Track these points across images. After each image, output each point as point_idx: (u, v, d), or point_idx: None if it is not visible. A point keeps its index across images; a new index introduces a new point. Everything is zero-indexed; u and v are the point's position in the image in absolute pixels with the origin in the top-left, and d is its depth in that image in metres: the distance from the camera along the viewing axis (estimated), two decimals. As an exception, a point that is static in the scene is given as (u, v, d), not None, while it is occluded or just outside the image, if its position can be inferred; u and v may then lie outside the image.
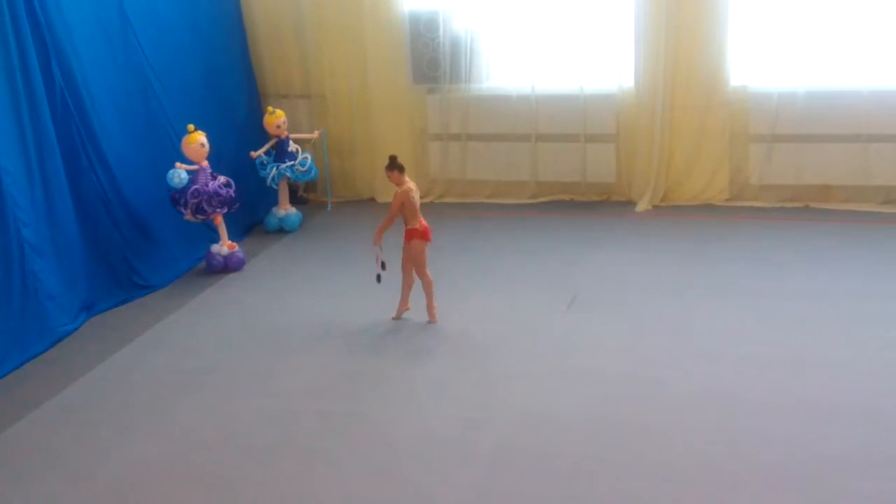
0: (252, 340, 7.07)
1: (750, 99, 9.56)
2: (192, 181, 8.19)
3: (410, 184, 6.99)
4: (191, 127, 8.20)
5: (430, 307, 7.17)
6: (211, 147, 8.34)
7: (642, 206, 9.80)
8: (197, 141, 8.21)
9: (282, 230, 9.76)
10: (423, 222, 7.04)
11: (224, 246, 8.58)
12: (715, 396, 5.81)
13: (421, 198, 10.47)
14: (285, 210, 9.85)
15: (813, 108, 9.34)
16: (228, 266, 8.54)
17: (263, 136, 9.65)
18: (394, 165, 6.95)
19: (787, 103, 9.42)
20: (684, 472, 5.02)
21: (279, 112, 9.59)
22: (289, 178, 9.73)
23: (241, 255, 8.65)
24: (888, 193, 9.39)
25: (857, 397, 5.71)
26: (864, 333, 6.59)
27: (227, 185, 8.43)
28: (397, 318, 7.23)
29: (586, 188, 10.22)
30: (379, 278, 7.00)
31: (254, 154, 9.50)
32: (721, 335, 6.69)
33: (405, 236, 7.05)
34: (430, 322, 7.13)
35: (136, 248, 8.16)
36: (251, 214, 9.73)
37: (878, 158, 9.31)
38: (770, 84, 9.48)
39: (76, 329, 7.30)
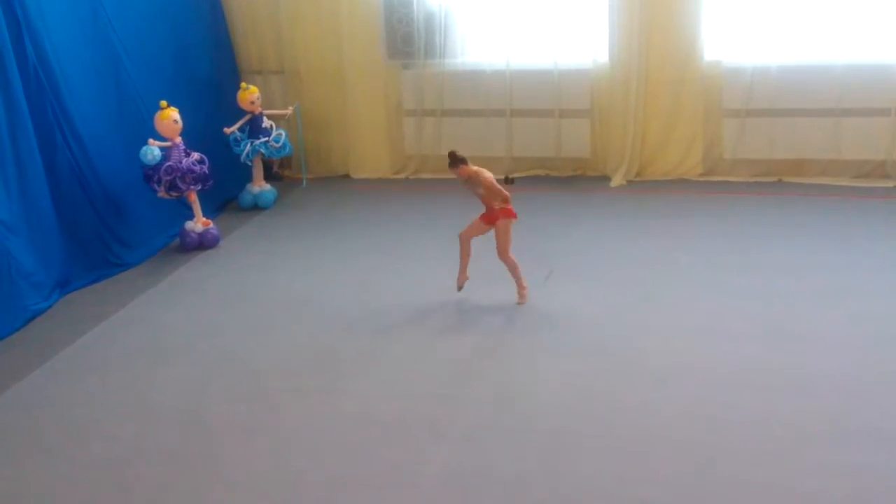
0: (227, 318, 7.05)
1: (724, 74, 9.58)
2: (165, 158, 8.14)
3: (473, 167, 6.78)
4: (163, 103, 8.14)
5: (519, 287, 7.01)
6: (184, 123, 8.28)
7: (617, 181, 9.83)
8: (170, 117, 8.15)
9: (256, 207, 9.72)
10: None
11: (198, 223, 8.53)
12: (690, 369, 5.86)
13: (395, 174, 10.61)
14: (260, 187, 9.80)
15: (786, 82, 9.38)
16: (203, 243, 8.50)
17: (237, 113, 9.57)
18: (457, 161, 6.72)
19: (761, 78, 9.45)
20: (660, 444, 5.06)
21: (253, 88, 9.53)
22: (263, 155, 9.68)
23: (215, 232, 8.61)
24: (860, 167, 9.46)
25: (829, 370, 5.77)
26: (836, 306, 6.66)
27: (201, 161, 8.37)
28: (461, 287, 7.09)
29: (561, 163, 10.23)
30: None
31: (227, 130, 9.43)
32: (696, 309, 6.74)
33: (492, 217, 6.87)
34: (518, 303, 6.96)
35: (110, 225, 8.11)
36: (225, 191, 9.67)
37: (851, 133, 9.37)
38: (744, 59, 9.50)
39: (49, 307, 7.25)
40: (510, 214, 6.81)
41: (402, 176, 10.63)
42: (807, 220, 8.46)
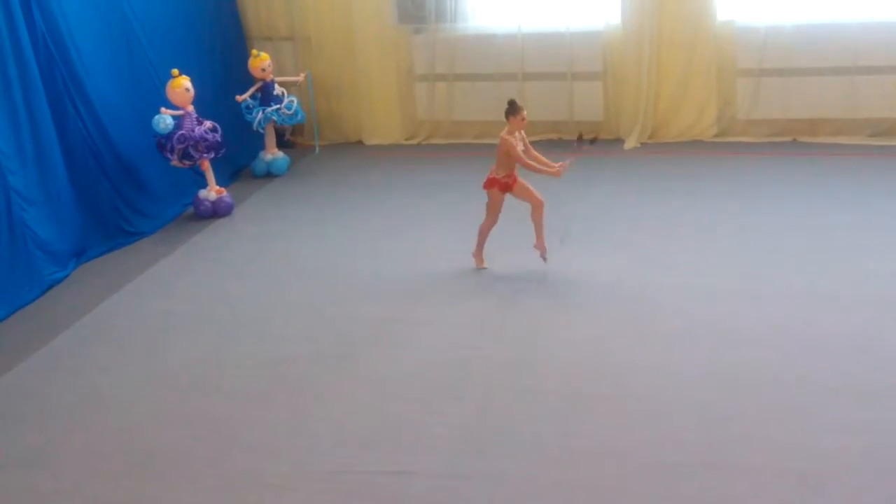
0: (242, 285, 7.08)
1: (737, 33, 9.50)
2: (177, 126, 8.13)
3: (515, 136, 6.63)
4: (175, 72, 8.12)
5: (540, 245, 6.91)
6: (196, 92, 8.27)
7: (630, 143, 9.78)
8: (181, 86, 8.13)
9: (269, 174, 9.72)
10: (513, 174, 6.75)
11: (212, 191, 8.54)
12: (707, 330, 5.86)
13: (407, 139, 10.58)
14: (272, 154, 9.79)
15: (800, 41, 9.30)
16: (217, 211, 8.51)
17: (249, 80, 9.55)
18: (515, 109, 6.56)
19: (775, 37, 9.36)
20: (676, 405, 5.08)
21: (264, 55, 9.50)
22: (275, 122, 9.66)
23: (229, 200, 8.62)
24: (876, 126, 9.38)
25: (848, 329, 5.76)
26: (854, 266, 6.63)
27: (214, 129, 8.37)
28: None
29: (574, 127, 10.17)
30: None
31: (239, 98, 9.41)
32: (712, 270, 6.72)
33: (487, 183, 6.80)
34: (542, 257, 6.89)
35: (124, 194, 8.12)
36: (238, 159, 9.68)
37: (866, 91, 9.28)
38: (757, 18, 9.41)
39: (66, 277, 7.29)
40: (502, 187, 6.74)
41: (414, 141, 10.61)
42: (822, 180, 8.41)
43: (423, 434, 4.98)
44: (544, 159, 6.74)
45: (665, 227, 7.55)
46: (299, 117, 9.81)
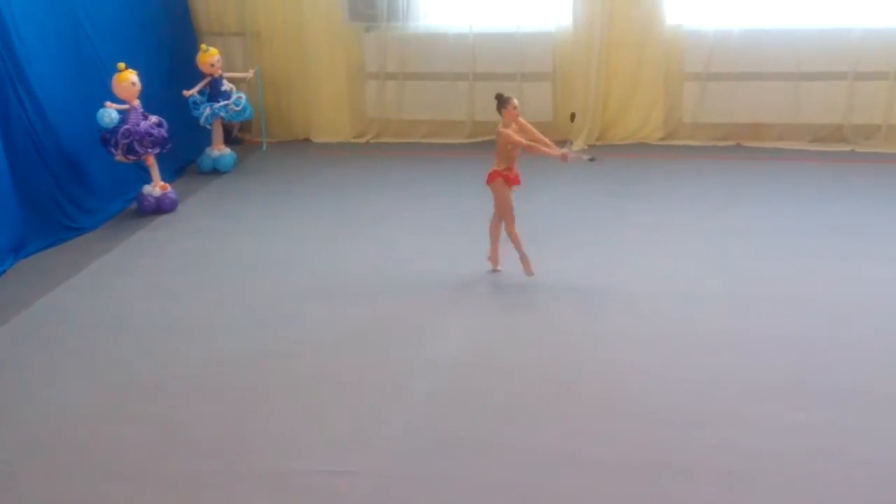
0: (185, 282, 7.00)
1: (685, 37, 9.60)
2: (122, 121, 8.03)
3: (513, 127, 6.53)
4: (121, 65, 8.02)
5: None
6: (143, 86, 8.17)
7: (578, 145, 9.83)
8: (128, 79, 8.04)
9: (216, 171, 9.63)
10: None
11: (156, 187, 8.45)
12: (653, 332, 5.92)
13: (356, 137, 10.55)
14: (219, 150, 9.71)
15: (746, 46, 9.43)
16: (161, 207, 8.42)
17: (197, 75, 9.46)
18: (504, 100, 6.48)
19: (722, 42, 9.48)
20: (620, 406, 5.12)
21: (213, 50, 9.41)
22: (223, 118, 9.58)
23: (173, 196, 8.53)
24: (817, 131, 9.53)
25: (789, 330, 5.86)
26: (795, 269, 6.74)
27: (160, 124, 8.28)
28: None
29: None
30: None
31: (187, 93, 9.32)
32: (658, 272, 6.78)
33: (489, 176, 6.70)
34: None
35: (66, 188, 7.99)
36: (184, 155, 9.57)
37: (808, 97, 9.44)
38: (705, 23, 9.52)
39: (4, 272, 7.15)
40: (506, 178, 6.64)
41: (363, 140, 10.59)
42: (764, 185, 8.53)
43: (366, 435, 4.96)
44: (546, 140, 6.59)
45: (612, 230, 7.60)
46: (247, 114, 9.74)
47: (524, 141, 6.48)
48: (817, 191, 8.29)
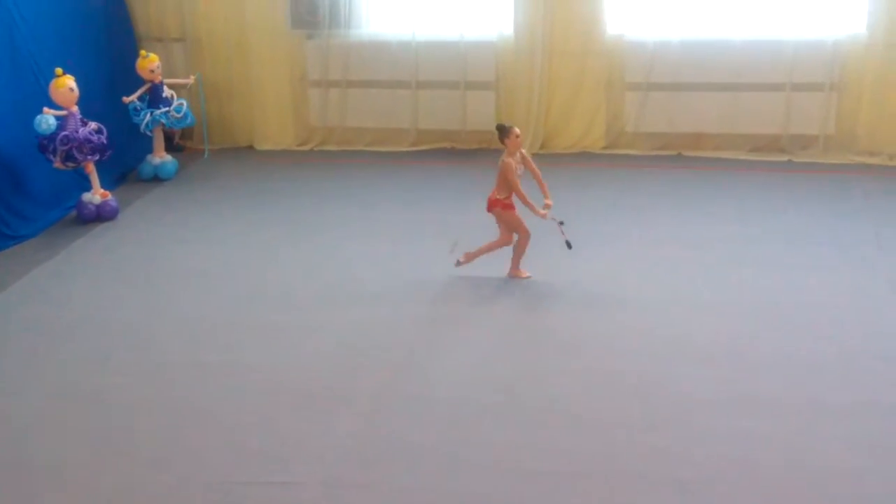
0: (126, 291, 6.92)
1: (627, 48, 9.71)
2: (61, 127, 7.91)
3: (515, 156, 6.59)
4: (59, 71, 7.91)
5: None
6: (82, 92, 8.06)
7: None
8: (65, 85, 7.93)
9: (157, 178, 9.51)
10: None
11: (96, 194, 8.33)
12: (587, 340, 5.98)
13: (300, 145, 10.50)
14: (160, 157, 9.59)
15: (686, 57, 9.56)
16: (101, 215, 8.30)
17: (138, 81, 9.34)
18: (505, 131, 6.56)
19: (662, 52, 9.60)
20: (551, 417, 5.15)
21: (153, 56, 9.31)
22: (164, 125, 9.47)
23: (114, 203, 8.42)
24: (756, 141, 9.69)
25: (723, 339, 5.94)
26: (732, 276, 6.85)
27: (99, 131, 8.18)
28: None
29: (466, 136, 10.24)
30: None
31: (126, 99, 9.20)
32: (596, 279, 6.84)
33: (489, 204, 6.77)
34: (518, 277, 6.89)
35: (4, 196, 7.87)
36: (125, 162, 9.46)
37: (747, 107, 9.61)
38: (646, 34, 9.63)
39: (-61, 281, 7.03)
40: (504, 206, 6.71)
41: (306, 147, 10.54)
42: (704, 194, 8.65)
43: (309, 444, 4.94)
44: (542, 186, 6.70)
45: (552, 238, 7.60)
46: (189, 120, 9.64)
47: (520, 189, 6.56)
48: (757, 200, 8.42)
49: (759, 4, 9.39)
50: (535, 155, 9.81)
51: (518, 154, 6.61)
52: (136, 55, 9.43)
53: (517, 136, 6.54)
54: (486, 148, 10.16)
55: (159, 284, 7.02)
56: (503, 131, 6.56)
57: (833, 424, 5.00)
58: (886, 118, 9.34)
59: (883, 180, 8.89)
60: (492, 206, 6.74)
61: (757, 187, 8.77)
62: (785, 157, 9.55)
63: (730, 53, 9.45)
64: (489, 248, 6.88)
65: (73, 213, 8.43)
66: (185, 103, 9.54)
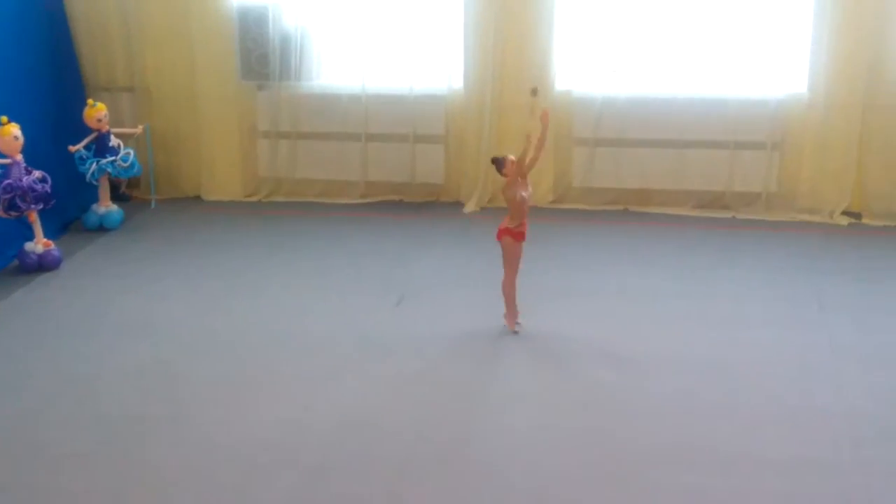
0: (67, 343, 6.81)
1: (574, 103, 9.83)
2: (4, 175, 7.83)
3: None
4: (3, 119, 7.84)
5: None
6: (27, 140, 7.99)
7: (470, 207, 9.94)
8: (10, 133, 7.86)
9: (102, 228, 9.40)
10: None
11: (39, 244, 8.22)
12: (530, 394, 5.98)
13: (248, 196, 10.47)
14: (106, 207, 9.50)
15: (632, 113, 9.69)
16: (43, 265, 8.19)
17: (84, 130, 9.27)
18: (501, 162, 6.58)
19: (609, 108, 9.73)
20: (501, 471, 5.13)
21: (100, 105, 9.25)
22: (110, 174, 9.40)
23: (56, 253, 8.30)
24: (701, 198, 9.83)
25: (671, 392, 5.97)
26: (679, 331, 6.91)
27: (43, 180, 8.09)
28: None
29: (415, 189, 10.28)
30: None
31: (72, 148, 9.12)
32: (543, 334, 6.86)
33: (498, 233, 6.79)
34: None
35: (-58, 245, 7.74)
36: (69, 211, 9.34)
37: (692, 164, 9.73)
38: (593, 89, 9.77)
39: None
40: (515, 236, 6.73)
41: (255, 198, 10.50)
42: (650, 249, 8.73)
43: (252, 501, 4.86)
44: (534, 143, 6.61)
45: (496, 291, 7.65)
46: (135, 170, 9.57)
47: (527, 158, 6.52)
48: (701, 256, 8.51)
49: (704, 63, 9.57)
50: (483, 209, 9.92)
51: (519, 180, 6.59)
52: (83, 104, 9.36)
53: (513, 163, 6.56)
54: (434, 201, 10.20)
55: (101, 336, 6.92)
56: (499, 163, 6.61)
57: (773, 479, 5.03)
58: (827, 176, 9.52)
59: (824, 237, 9.05)
60: (501, 234, 6.75)
61: (702, 243, 8.88)
62: (729, 214, 9.69)
63: (675, 111, 9.60)
64: (510, 289, 6.83)
65: (15, 262, 8.29)
66: (132, 152, 9.47)
